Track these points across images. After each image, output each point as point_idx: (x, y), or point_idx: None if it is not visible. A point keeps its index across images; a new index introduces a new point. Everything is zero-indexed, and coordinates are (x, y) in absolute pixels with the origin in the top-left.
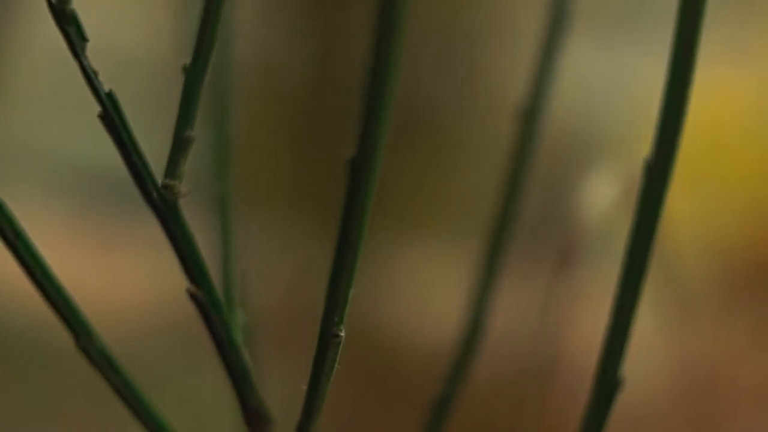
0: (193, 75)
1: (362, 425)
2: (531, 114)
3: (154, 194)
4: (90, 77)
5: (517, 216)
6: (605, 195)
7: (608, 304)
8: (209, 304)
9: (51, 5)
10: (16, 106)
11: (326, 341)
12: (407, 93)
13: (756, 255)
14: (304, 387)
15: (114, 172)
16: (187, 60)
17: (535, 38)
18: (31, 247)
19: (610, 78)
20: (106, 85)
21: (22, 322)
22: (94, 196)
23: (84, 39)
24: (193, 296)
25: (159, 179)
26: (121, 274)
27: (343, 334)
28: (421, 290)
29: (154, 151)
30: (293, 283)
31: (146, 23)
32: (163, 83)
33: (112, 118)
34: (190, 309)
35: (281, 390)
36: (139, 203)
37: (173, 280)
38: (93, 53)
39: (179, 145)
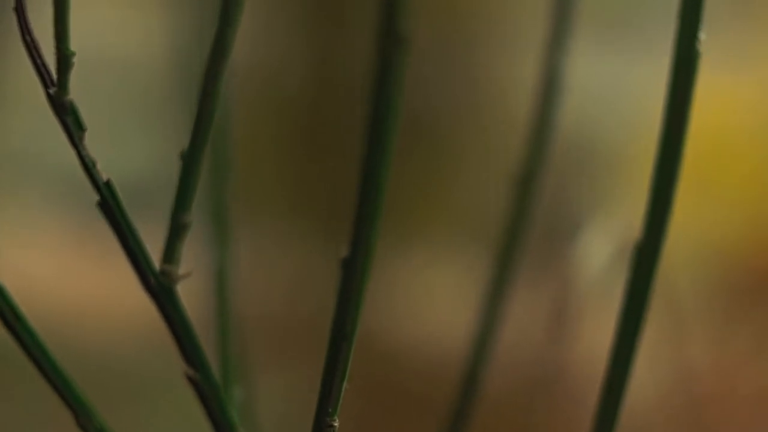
0: (190, 160)
1: None
2: (527, 179)
3: (152, 279)
4: (88, 167)
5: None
6: (605, 241)
7: (615, 312)
8: (206, 387)
9: (49, 96)
10: (17, 112)
11: (320, 431)
12: (408, 100)
13: (758, 262)
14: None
15: (116, 178)
16: (181, 68)
17: (538, 46)
18: (31, 329)
19: (612, 96)
20: (106, 88)
21: None
22: (95, 204)
23: (82, 129)
24: (190, 379)
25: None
26: (122, 282)
27: (336, 424)
28: (423, 298)
29: (153, 153)
30: (294, 288)
31: (144, 28)
32: (161, 87)
33: (110, 206)
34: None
35: (279, 394)
36: (140, 211)
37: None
38: (92, 59)
39: (176, 230)
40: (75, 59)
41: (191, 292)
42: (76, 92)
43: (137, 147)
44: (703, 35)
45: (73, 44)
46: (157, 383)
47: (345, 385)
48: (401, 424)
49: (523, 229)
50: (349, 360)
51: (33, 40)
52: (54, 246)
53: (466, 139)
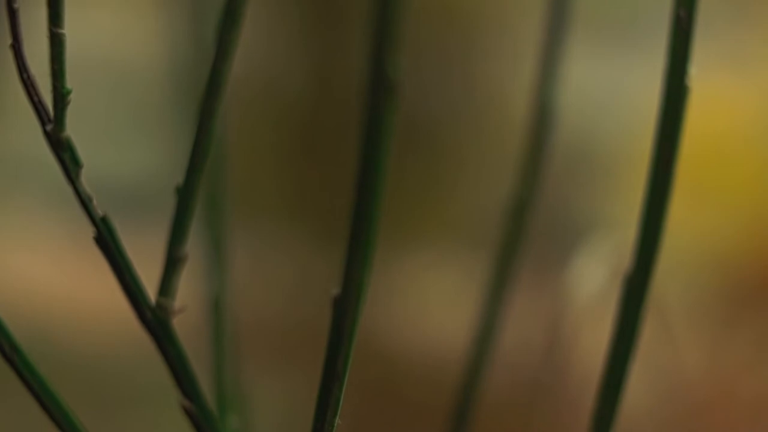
0: (185, 194)
1: None
2: (521, 207)
3: (148, 313)
4: (85, 202)
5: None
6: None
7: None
8: (202, 418)
9: (46, 133)
10: (17, 115)
11: None
12: (407, 104)
13: (757, 266)
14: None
15: (115, 183)
16: (179, 71)
17: (534, 50)
18: (29, 362)
19: (609, 99)
20: (105, 91)
21: (20, 330)
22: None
23: (78, 165)
24: (186, 410)
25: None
26: None
27: None
28: (421, 301)
29: (152, 155)
30: (292, 292)
31: (142, 31)
32: (160, 90)
33: (106, 241)
34: (190, 319)
35: (277, 397)
36: (139, 214)
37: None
38: (91, 61)
39: (172, 264)
40: (74, 60)
41: (187, 317)
42: (75, 94)
43: (136, 148)
44: (693, 70)
45: (73, 47)
46: (157, 386)
47: (337, 421)
48: (400, 428)
49: (520, 241)
50: (341, 399)
51: (30, 77)
52: (54, 248)
53: (465, 143)
